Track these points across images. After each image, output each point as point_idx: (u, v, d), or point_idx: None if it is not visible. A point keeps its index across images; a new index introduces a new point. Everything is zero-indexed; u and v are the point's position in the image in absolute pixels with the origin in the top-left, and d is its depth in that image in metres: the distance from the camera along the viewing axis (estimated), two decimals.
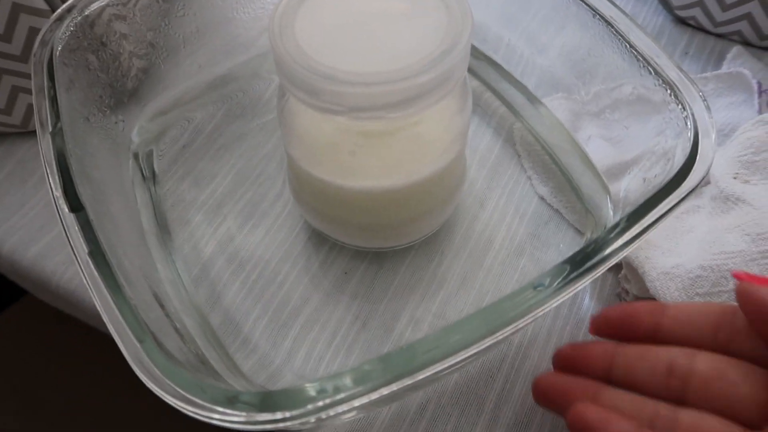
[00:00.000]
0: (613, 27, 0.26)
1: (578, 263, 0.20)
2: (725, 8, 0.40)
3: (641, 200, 0.23)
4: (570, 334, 0.30)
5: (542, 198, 0.33)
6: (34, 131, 0.38)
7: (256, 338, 0.29)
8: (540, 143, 0.34)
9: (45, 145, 0.23)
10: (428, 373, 0.18)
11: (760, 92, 0.36)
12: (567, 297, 0.20)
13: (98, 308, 0.19)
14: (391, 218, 0.28)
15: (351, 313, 0.29)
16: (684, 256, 0.27)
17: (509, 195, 0.33)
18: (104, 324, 0.32)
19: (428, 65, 0.22)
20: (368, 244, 0.30)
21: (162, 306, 0.24)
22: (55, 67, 0.25)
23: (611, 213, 0.29)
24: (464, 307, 0.30)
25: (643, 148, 0.28)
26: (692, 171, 0.22)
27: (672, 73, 0.25)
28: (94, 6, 0.29)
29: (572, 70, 0.32)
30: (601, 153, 0.32)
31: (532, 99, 0.35)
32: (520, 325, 0.19)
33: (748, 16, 0.39)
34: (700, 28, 0.42)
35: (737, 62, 0.39)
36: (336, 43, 0.23)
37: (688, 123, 0.23)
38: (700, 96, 0.24)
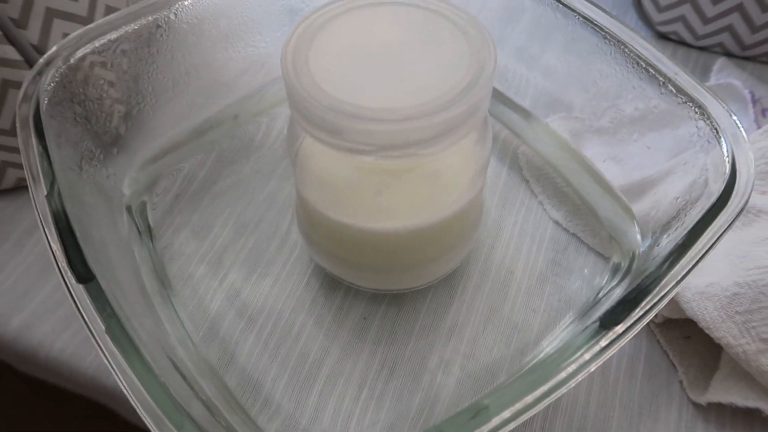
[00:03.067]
0: (627, 46, 0.26)
1: (634, 302, 0.19)
2: (706, 21, 0.40)
3: (682, 220, 0.22)
4: (603, 363, 0.29)
5: (557, 222, 0.32)
6: (7, 190, 0.36)
7: (278, 398, 0.26)
8: (549, 166, 0.33)
9: (42, 208, 0.20)
10: None
11: (754, 101, 0.36)
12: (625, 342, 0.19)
13: (128, 394, 0.17)
14: (413, 259, 0.27)
15: (376, 361, 0.28)
16: (716, 274, 0.27)
17: (523, 222, 0.32)
18: (99, 393, 0.30)
19: (458, 97, 0.20)
20: (387, 287, 0.29)
21: (180, 372, 0.21)
22: (43, 122, 0.23)
23: (638, 236, 0.28)
24: (494, 345, 0.28)
25: (665, 165, 0.28)
26: (736, 184, 0.21)
27: (692, 89, 0.24)
28: (77, 55, 0.27)
29: (577, 89, 0.31)
30: (611, 172, 0.32)
31: (531, 120, 0.35)
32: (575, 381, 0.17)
33: (730, 28, 0.40)
34: (681, 42, 0.43)
35: (724, 74, 0.40)
36: (355, 78, 0.21)
37: (721, 140, 0.23)
38: (725, 108, 0.23)
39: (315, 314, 0.29)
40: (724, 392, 0.27)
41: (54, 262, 0.19)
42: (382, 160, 0.21)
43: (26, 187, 0.36)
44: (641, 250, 0.27)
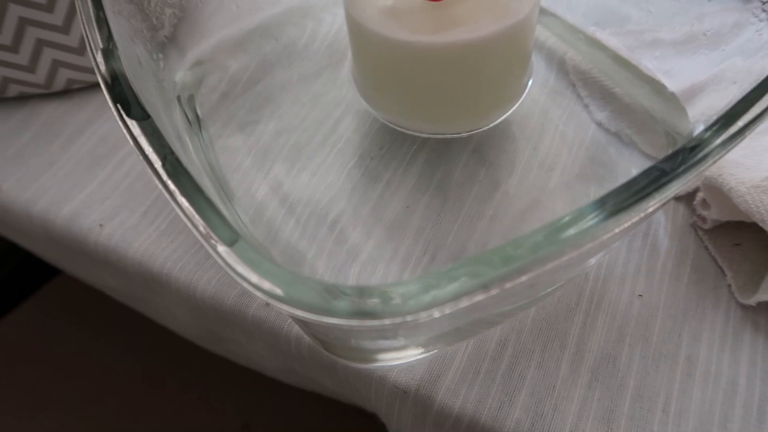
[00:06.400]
0: None
1: (698, 145, 0.19)
2: None
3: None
4: (647, 267, 0.29)
5: (600, 124, 0.31)
6: (58, 92, 0.36)
7: (319, 276, 0.27)
8: (597, 70, 0.32)
9: (98, 58, 0.21)
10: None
11: None
12: (680, 188, 0.18)
13: (185, 219, 0.17)
14: (468, 83, 0.27)
15: (418, 247, 0.28)
16: None
17: (566, 123, 0.32)
18: (140, 282, 0.31)
19: None
20: (438, 128, 0.29)
21: None
22: None
23: (692, 125, 0.27)
24: None
25: (717, 69, 0.27)
26: None
27: None
28: None
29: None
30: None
31: (580, 32, 0.34)
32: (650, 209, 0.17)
33: None
34: None
35: None
36: None
37: None
38: None
39: (354, 202, 0.29)
40: None
41: (111, 103, 0.20)
42: None
43: (77, 90, 0.37)
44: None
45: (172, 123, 0.27)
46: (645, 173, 0.17)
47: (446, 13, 0.24)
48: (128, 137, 0.19)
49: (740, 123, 0.19)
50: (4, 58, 0.34)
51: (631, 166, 0.29)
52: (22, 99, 0.37)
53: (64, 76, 0.35)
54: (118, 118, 0.19)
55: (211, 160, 0.30)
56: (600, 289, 0.28)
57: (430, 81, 0.26)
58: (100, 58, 0.20)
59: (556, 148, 0.31)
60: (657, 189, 0.17)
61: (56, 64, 0.35)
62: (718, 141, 0.18)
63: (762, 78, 0.20)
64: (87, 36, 0.22)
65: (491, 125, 0.30)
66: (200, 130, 0.31)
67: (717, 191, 0.27)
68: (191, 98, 0.31)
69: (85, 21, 0.22)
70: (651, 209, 0.17)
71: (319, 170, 0.30)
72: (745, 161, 0.27)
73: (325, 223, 0.28)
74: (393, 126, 0.30)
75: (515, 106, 0.30)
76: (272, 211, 0.29)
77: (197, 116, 0.31)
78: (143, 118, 0.19)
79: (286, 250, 0.27)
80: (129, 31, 0.26)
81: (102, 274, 0.34)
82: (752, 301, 0.27)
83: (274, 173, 0.30)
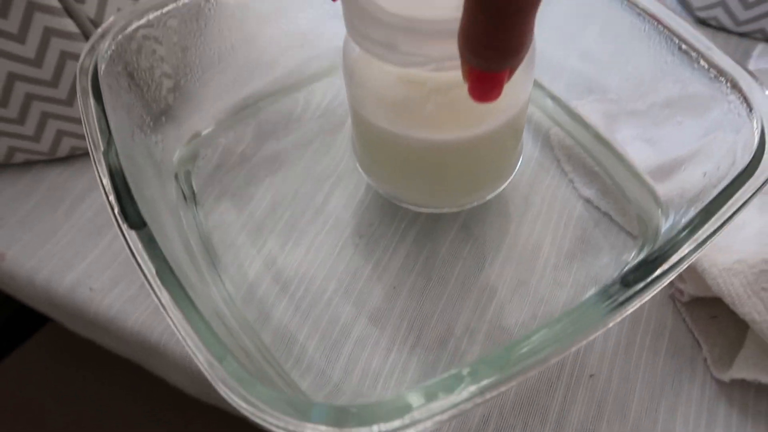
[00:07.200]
0: (661, 23, 0.26)
1: (653, 263, 0.20)
2: (748, 7, 0.40)
3: (708, 194, 0.23)
4: (626, 337, 0.30)
5: (588, 201, 0.32)
6: (62, 158, 0.38)
7: (309, 356, 0.28)
8: (579, 147, 0.33)
9: (100, 164, 0.22)
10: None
11: None
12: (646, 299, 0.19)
13: (175, 330, 0.18)
14: (467, 167, 0.28)
15: (403, 328, 0.29)
16: (744, 252, 0.27)
17: (551, 199, 0.33)
18: (138, 349, 0.32)
19: None
20: (435, 203, 0.31)
21: (223, 323, 0.23)
22: (101, 87, 0.25)
23: (660, 215, 0.28)
24: (521, 315, 0.29)
25: (695, 145, 0.28)
26: (764, 156, 0.21)
27: (724, 63, 0.24)
28: (131, 26, 0.28)
29: (613, 71, 0.32)
30: (643, 154, 0.32)
31: (563, 104, 0.35)
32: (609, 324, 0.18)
33: None
34: (721, 29, 0.42)
35: (764, 59, 0.39)
36: None
37: (752, 113, 0.23)
38: (757, 83, 0.24)
39: (346, 282, 0.30)
40: (749, 369, 0.27)
41: (110, 210, 0.21)
42: (437, 71, 0.22)
43: (79, 156, 0.38)
44: (666, 227, 0.27)
45: (167, 201, 0.29)
46: (603, 291, 0.18)
47: (449, 109, 0.25)
48: (125, 245, 0.20)
49: (702, 235, 0.20)
50: (11, 130, 0.35)
51: (614, 246, 0.30)
52: (27, 164, 0.38)
53: (67, 144, 0.37)
54: (116, 227, 0.21)
55: (204, 236, 0.31)
56: (581, 362, 0.29)
57: (430, 166, 0.27)
58: (102, 167, 0.22)
59: (542, 223, 0.32)
60: (618, 306, 0.18)
61: (60, 134, 0.36)
62: (678, 256, 0.19)
63: (725, 183, 0.21)
64: (89, 138, 0.23)
65: (485, 200, 0.31)
66: (195, 205, 0.32)
67: (691, 269, 0.28)
68: (188, 174, 0.33)
69: (87, 123, 0.23)
70: (613, 323, 0.18)
71: (313, 246, 0.31)
72: (718, 241, 0.28)
73: (319, 303, 0.30)
74: (389, 198, 0.32)
75: (508, 181, 0.31)
76: (265, 289, 0.30)
77: (193, 192, 0.32)
78: (140, 226, 0.21)
79: (277, 332, 0.28)
80: (127, 121, 0.27)
81: (102, 337, 0.35)
82: (726, 377, 0.28)
83: (268, 249, 0.31)
